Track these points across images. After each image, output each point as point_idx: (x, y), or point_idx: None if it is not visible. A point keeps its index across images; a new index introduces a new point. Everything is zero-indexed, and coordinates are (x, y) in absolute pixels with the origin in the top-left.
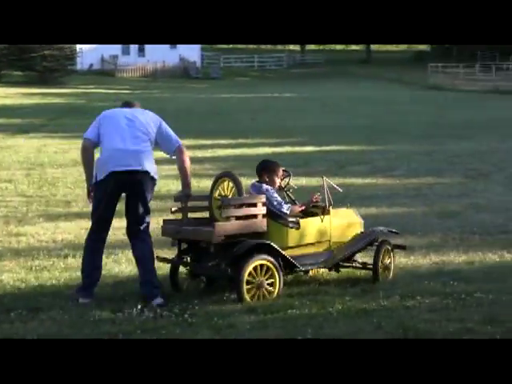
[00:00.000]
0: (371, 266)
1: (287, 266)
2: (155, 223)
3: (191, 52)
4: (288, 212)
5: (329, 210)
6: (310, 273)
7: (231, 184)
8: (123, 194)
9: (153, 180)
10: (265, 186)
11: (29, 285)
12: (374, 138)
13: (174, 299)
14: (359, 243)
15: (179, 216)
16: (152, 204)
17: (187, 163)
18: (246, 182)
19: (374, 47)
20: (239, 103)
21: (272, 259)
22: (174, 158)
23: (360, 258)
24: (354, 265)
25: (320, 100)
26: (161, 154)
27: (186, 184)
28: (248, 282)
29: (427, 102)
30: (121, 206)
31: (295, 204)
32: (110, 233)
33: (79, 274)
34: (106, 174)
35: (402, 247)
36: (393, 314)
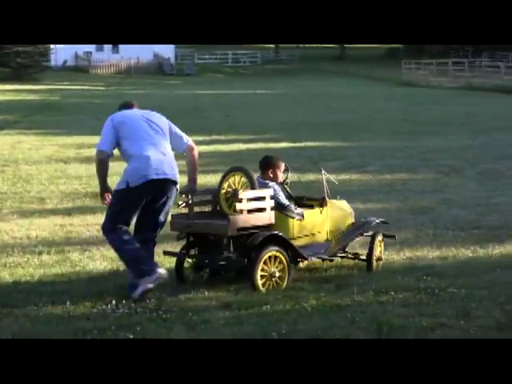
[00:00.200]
0: (363, 257)
1: (293, 256)
2: None
3: (165, 48)
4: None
5: (326, 202)
6: (301, 264)
7: (241, 178)
8: None
9: (176, 189)
10: (270, 184)
11: (3, 282)
12: (348, 134)
13: (149, 295)
14: (355, 233)
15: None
16: None
17: (197, 159)
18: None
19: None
20: (213, 100)
21: (282, 250)
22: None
23: (351, 248)
24: (346, 255)
25: (294, 96)
26: None
27: (193, 179)
28: (261, 273)
29: (401, 99)
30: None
31: (292, 198)
32: (83, 229)
33: (54, 270)
34: (142, 181)
35: (391, 237)
36: (367, 309)
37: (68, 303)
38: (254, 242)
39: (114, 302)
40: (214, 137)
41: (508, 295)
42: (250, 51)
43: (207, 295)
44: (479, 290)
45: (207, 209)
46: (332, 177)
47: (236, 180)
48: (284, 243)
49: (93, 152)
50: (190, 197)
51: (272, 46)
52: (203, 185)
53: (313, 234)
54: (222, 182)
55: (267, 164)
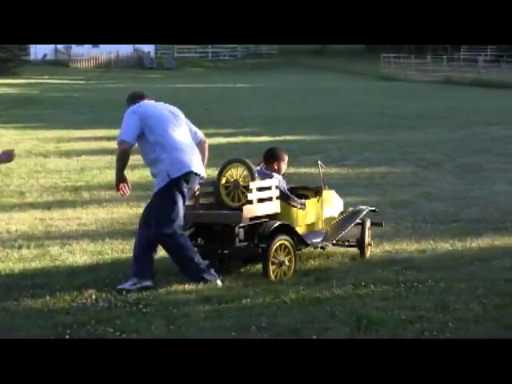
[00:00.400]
0: (353, 244)
1: (298, 244)
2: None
3: None
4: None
5: (322, 192)
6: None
7: (241, 170)
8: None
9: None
10: (275, 175)
11: None
12: (326, 128)
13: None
14: (350, 222)
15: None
16: (107, 194)
17: (207, 152)
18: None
19: None
20: (193, 93)
21: (289, 239)
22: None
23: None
24: (338, 243)
25: (274, 90)
26: (115, 145)
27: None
28: (272, 261)
29: (379, 93)
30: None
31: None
32: (63, 223)
33: (33, 264)
34: (185, 171)
35: (379, 224)
36: (346, 303)
37: (48, 297)
38: (265, 231)
39: (93, 296)
40: None
41: (486, 288)
42: (229, 45)
43: (187, 289)
44: (458, 282)
45: (203, 201)
46: (316, 170)
47: (235, 172)
48: (291, 232)
49: (72, 146)
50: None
51: None
52: None
53: (312, 223)
54: (220, 173)
55: (272, 156)
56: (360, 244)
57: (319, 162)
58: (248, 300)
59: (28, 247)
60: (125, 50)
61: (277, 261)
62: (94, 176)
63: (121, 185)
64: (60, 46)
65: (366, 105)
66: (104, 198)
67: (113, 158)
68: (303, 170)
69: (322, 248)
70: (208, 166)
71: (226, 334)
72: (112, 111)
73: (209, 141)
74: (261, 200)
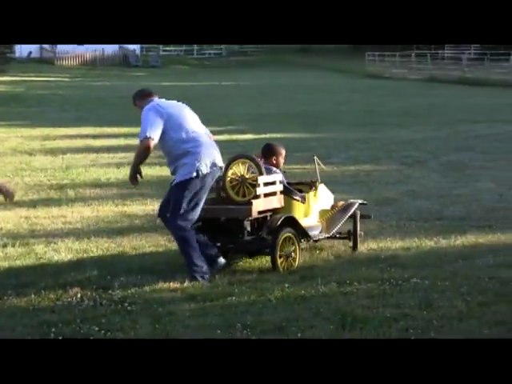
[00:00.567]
0: (345, 236)
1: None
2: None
3: None
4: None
5: (317, 186)
6: None
7: (239, 165)
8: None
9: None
10: (276, 170)
11: None
12: (312, 125)
13: (113, 287)
14: (345, 215)
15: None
16: (92, 192)
17: None
18: None
19: None
20: (178, 91)
21: (294, 231)
22: None
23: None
24: (331, 236)
25: (259, 88)
26: (101, 143)
27: None
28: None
29: (364, 91)
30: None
31: None
32: (48, 221)
33: (18, 263)
34: (213, 168)
35: (367, 217)
36: (331, 300)
37: (33, 296)
38: (273, 224)
39: (78, 294)
40: None
41: (470, 286)
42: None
43: (172, 287)
44: (442, 280)
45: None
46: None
47: (240, 167)
48: (295, 225)
49: (58, 144)
50: None
51: None
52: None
53: (310, 216)
54: (226, 169)
55: (270, 151)
56: (353, 236)
57: (315, 158)
58: (233, 298)
59: (13, 245)
60: (110, 47)
61: (284, 253)
62: (80, 174)
63: (136, 176)
64: (45, 44)
65: (352, 103)
66: (89, 196)
67: (98, 156)
68: (288, 168)
69: (314, 241)
70: None
71: (211, 332)
72: (97, 109)
73: None
74: (267, 194)
